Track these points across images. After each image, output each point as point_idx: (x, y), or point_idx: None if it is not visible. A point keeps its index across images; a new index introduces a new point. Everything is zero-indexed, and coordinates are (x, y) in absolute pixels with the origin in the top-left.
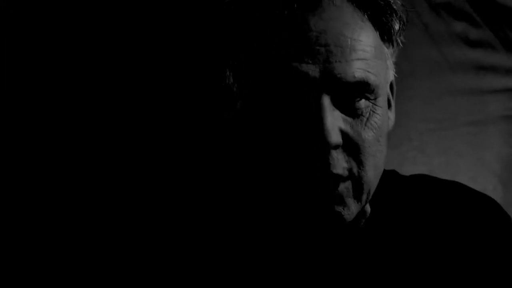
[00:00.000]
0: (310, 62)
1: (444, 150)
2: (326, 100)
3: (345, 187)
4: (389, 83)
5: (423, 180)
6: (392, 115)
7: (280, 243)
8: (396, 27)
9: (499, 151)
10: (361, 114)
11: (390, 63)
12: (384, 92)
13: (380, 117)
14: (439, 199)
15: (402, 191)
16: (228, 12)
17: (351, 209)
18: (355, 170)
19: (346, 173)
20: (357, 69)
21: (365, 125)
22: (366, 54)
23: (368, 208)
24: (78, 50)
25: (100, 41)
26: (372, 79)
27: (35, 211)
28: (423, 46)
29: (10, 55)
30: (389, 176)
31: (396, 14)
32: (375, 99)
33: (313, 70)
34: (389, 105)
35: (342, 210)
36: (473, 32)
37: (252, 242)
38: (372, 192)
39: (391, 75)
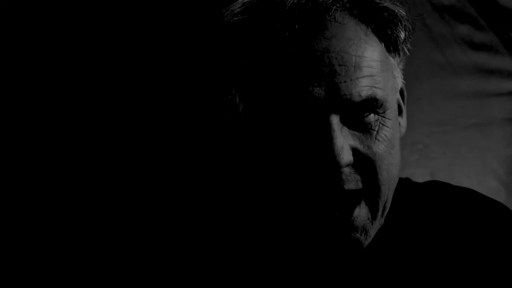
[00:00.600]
0: (315, 84)
1: (447, 153)
2: (335, 120)
3: (361, 212)
4: (398, 91)
5: (437, 187)
6: (404, 121)
7: (288, 256)
8: (402, 36)
9: (502, 154)
10: (371, 128)
11: (397, 72)
12: (393, 103)
13: (390, 129)
14: (453, 207)
15: (416, 199)
16: (232, 33)
17: (369, 234)
18: (368, 184)
19: (360, 186)
20: (363, 88)
21: (376, 138)
22: (372, 70)
23: (382, 219)
24: (79, 50)
25: (104, 44)
26: (379, 94)
27: (35, 211)
28: (427, 49)
29: (10, 55)
30: (403, 184)
31: (401, 24)
32: (384, 112)
33: (318, 91)
34: (401, 111)
35: (360, 236)
36: (477, 35)
37: (259, 255)
38: (388, 206)
39: (399, 83)
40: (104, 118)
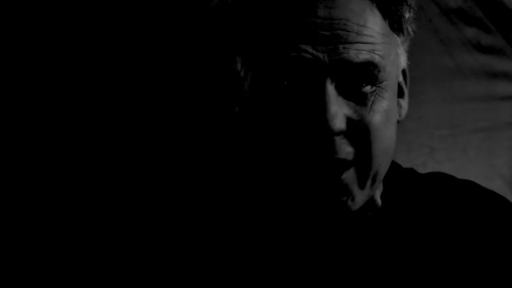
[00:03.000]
0: (315, 45)
1: (454, 156)
2: (330, 86)
3: (349, 175)
4: (400, 70)
5: (439, 178)
6: (405, 103)
7: (285, 235)
8: (406, 15)
9: (509, 157)
10: (367, 99)
11: (401, 50)
12: (392, 77)
13: (387, 101)
14: (453, 197)
15: (417, 188)
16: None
17: (356, 199)
18: (361, 155)
19: (350, 157)
20: (362, 50)
21: (371, 109)
22: (373, 39)
23: (378, 200)
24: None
25: (102, 37)
26: (377, 59)
27: (35, 211)
28: (434, 52)
29: (10, 55)
30: (406, 174)
31: (406, 2)
32: (381, 83)
33: (317, 53)
34: (402, 94)
35: (347, 199)
36: (485, 38)
37: (257, 235)
38: (380, 179)
39: (402, 62)
40: (104, 112)
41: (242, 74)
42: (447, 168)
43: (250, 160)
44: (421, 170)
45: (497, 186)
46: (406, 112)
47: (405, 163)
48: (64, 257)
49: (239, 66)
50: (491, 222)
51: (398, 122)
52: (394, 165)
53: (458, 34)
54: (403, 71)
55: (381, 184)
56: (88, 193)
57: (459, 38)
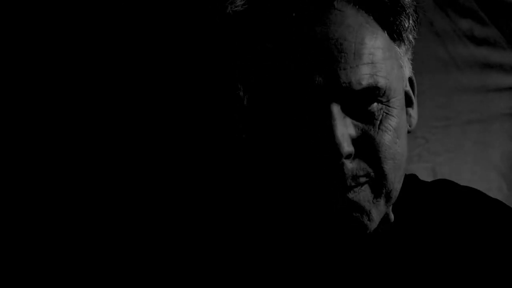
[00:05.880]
0: (315, 71)
1: (449, 148)
2: (336, 108)
3: (362, 196)
4: (406, 81)
5: (444, 187)
6: (415, 112)
7: (296, 250)
8: (406, 24)
9: (504, 149)
10: (374, 118)
11: (404, 61)
12: (399, 92)
13: (396, 118)
14: (460, 208)
15: (423, 198)
16: (233, 24)
17: (372, 216)
18: (373, 175)
19: (363, 180)
20: (364, 75)
21: (379, 128)
22: (373, 57)
23: (391, 215)
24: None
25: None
26: (382, 82)
27: (35, 211)
28: (428, 44)
29: (10, 55)
30: (409, 182)
31: (405, 11)
32: (388, 101)
33: (318, 79)
34: (411, 103)
35: (363, 218)
36: (479, 30)
37: (265, 251)
38: (395, 195)
39: (407, 72)
40: (105, 120)
41: (245, 102)
42: (442, 159)
43: (260, 189)
44: (416, 161)
45: (491, 177)
46: (416, 120)
47: None
48: (64, 257)
49: (241, 93)
50: (496, 232)
51: (408, 132)
52: None
53: (453, 26)
54: (410, 80)
55: None
56: (89, 193)
57: (453, 30)
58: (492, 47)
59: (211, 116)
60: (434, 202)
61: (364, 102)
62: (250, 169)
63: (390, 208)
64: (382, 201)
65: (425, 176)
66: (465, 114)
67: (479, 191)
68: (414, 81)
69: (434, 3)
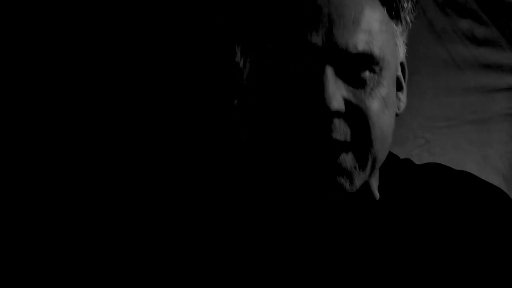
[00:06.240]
0: (314, 32)
1: (449, 148)
2: (329, 70)
3: (347, 158)
4: (399, 63)
5: (435, 169)
6: (404, 97)
7: (283, 228)
8: (405, 4)
9: (504, 149)
10: (366, 84)
11: (400, 42)
12: (391, 67)
13: (385, 88)
14: (450, 189)
15: (414, 180)
16: None
17: (354, 181)
18: (359, 138)
19: (348, 139)
20: (360, 41)
21: (370, 94)
22: (371, 27)
23: (376, 192)
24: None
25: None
26: (376, 52)
27: (35, 211)
28: (428, 44)
29: (10, 55)
30: (402, 164)
31: None
32: (380, 71)
33: (316, 40)
34: (401, 87)
35: (344, 181)
36: (479, 30)
37: (256, 227)
38: (378, 165)
39: (401, 54)
40: (105, 119)
41: (241, 65)
42: (442, 159)
43: (249, 150)
44: (416, 162)
45: (491, 178)
46: (405, 105)
47: (400, 155)
48: (64, 257)
49: (238, 57)
50: (489, 214)
51: (397, 115)
52: (390, 156)
53: (453, 25)
54: (402, 65)
55: (378, 176)
56: (89, 193)
57: (453, 30)
58: (492, 47)
59: (210, 113)
60: (423, 183)
61: (358, 68)
62: (242, 139)
63: (375, 185)
64: (367, 168)
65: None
66: (465, 114)
67: (471, 173)
68: (406, 66)
69: (434, 3)
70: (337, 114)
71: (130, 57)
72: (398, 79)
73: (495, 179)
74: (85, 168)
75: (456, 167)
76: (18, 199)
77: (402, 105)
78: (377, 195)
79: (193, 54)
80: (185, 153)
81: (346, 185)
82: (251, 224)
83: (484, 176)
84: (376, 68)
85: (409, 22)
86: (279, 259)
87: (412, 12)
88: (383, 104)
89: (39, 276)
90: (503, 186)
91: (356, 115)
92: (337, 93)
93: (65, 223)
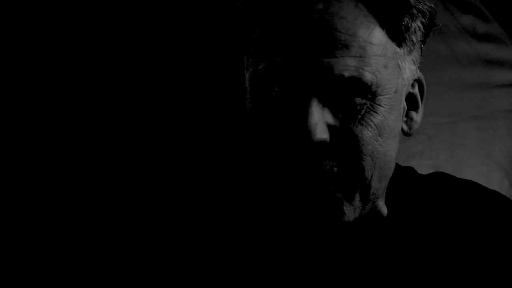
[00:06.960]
0: (300, 59)
1: (451, 144)
2: (314, 97)
3: (334, 187)
4: (408, 82)
5: (441, 179)
6: (418, 116)
7: (286, 244)
8: (409, 24)
9: (506, 145)
10: (355, 111)
11: (405, 62)
12: (390, 91)
13: (380, 116)
14: (456, 201)
15: (420, 191)
16: (237, 14)
17: (345, 210)
18: (348, 168)
19: (334, 170)
20: (348, 67)
21: (359, 122)
22: (363, 51)
23: (383, 209)
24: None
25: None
26: (368, 77)
27: (35, 211)
28: (430, 40)
29: (10, 55)
30: (406, 174)
31: (409, 12)
32: (373, 98)
33: (301, 66)
34: (416, 107)
35: (334, 212)
36: (481, 26)
37: (256, 243)
38: (377, 193)
39: (408, 74)
40: (105, 119)
41: (246, 82)
42: (444, 156)
43: (249, 150)
44: (418, 158)
45: (493, 173)
46: (418, 125)
47: (402, 151)
48: (64, 257)
49: (246, 82)
50: (498, 225)
51: (408, 135)
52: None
53: (455, 22)
54: (419, 82)
55: (384, 193)
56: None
57: (455, 26)
58: (494, 43)
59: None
60: (430, 195)
61: (347, 95)
62: (248, 164)
63: (382, 202)
64: (357, 197)
65: (427, 173)
66: (467, 111)
67: (476, 183)
68: (424, 84)
69: None
70: (322, 144)
71: (130, 57)
72: (413, 97)
73: (497, 175)
74: (85, 168)
75: (458, 163)
76: (18, 199)
77: (415, 125)
78: (384, 212)
79: (193, 54)
80: (185, 153)
81: (337, 215)
82: (251, 224)
83: (486, 172)
84: (369, 94)
85: (416, 42)
86: (281, 264)
87: (420, 31)
88: (375, 132)
89: (39, 276)
90: (505, 182)
91: (345, 144)
92: (321, 123)
93: (65, 223)
